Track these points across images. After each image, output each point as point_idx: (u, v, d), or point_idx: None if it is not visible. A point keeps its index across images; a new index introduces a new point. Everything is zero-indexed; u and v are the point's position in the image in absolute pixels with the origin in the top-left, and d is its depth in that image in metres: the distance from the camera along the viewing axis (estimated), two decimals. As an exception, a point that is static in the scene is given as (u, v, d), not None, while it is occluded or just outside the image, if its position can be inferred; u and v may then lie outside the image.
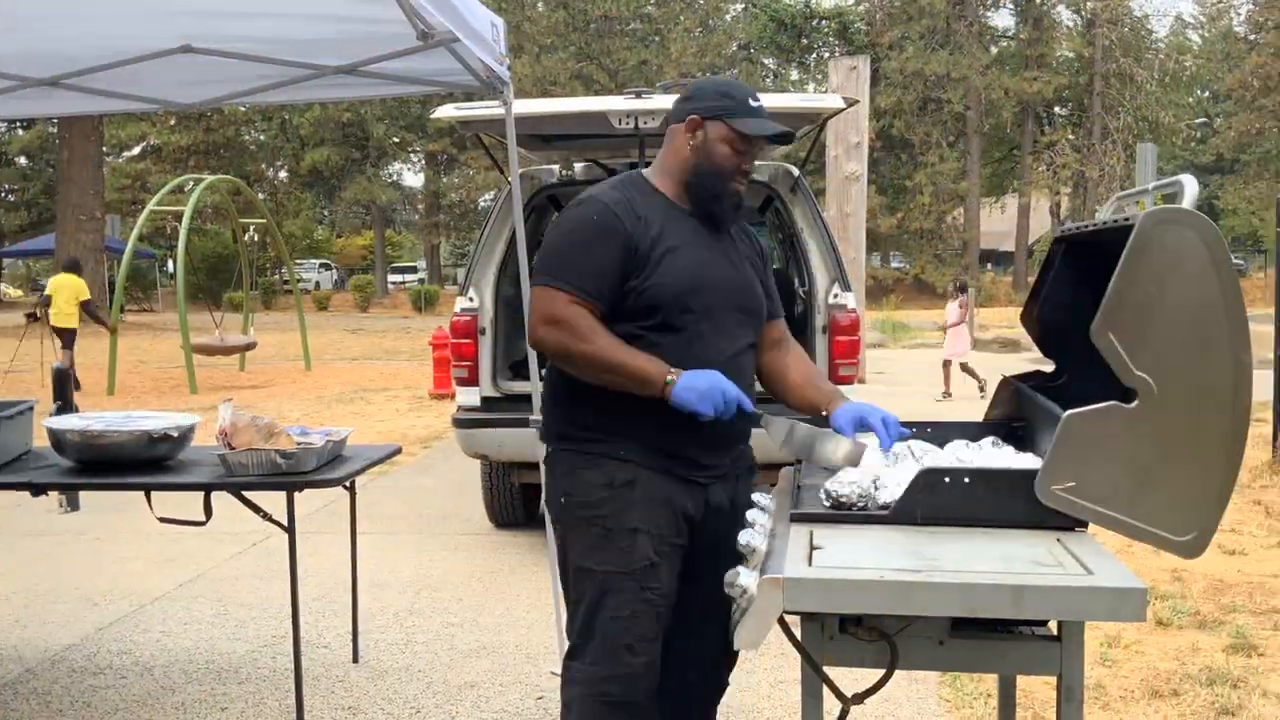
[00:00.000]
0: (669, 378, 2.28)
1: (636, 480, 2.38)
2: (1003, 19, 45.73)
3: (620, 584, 2.35)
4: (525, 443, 4.47)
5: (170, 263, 33.95)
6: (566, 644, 2.49)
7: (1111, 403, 2.00)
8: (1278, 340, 7.74)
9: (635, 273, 2.35)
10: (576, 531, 2.43)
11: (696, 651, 2.55)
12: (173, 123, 40.59)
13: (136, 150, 44.82)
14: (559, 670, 3.95)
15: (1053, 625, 1.97)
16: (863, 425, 2.38)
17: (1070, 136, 42.23)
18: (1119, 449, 2.00)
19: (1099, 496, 2.01)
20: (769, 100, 5.91)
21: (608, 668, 2.36)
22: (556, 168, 6.11)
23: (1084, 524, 2.08)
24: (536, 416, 2.99)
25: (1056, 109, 45.02)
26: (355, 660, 4.18)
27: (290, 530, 3.35)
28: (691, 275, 2.38)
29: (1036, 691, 3.69)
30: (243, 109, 38.30)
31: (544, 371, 2.65)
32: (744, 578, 1.96)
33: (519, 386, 5.71)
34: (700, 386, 2.27)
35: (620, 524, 2.36)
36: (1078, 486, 2.01)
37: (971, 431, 2.64)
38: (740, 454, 2.58)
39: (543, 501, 2.65)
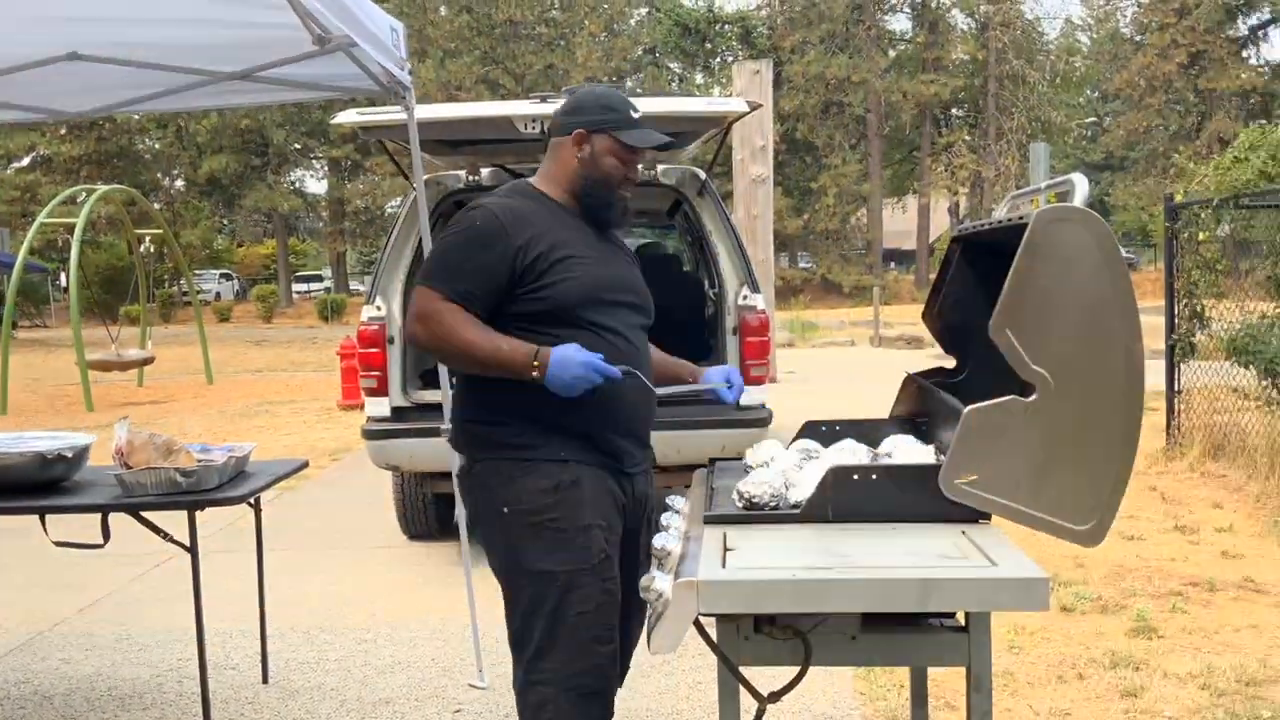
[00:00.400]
0: (535, 368, 2.34)
1: (581, 478, 2.44)
2: (900, 23, 46.76)
3: (582, 580, 2.41)
4: (438, 452, 4.42)
5: (63, 276, 32.82)
6: (513, 652, 2.51)
7: (1010, 397, 2.05)
8: (1168, 331, 8.02)
9: (528, 279, 2.41)
10: (526, 538, 2.43)
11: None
12: (63, 132, 39.27)
13: (25, 161, 43.24)
14: (479, 683, 3.94)
15: (960, 616, 2.01)
16: (728, 378, 2.61)
17: (966, 137, 43.34)
18: (1019, 442, 2.05)
19: (1001, 489, 2.06)
20: (673, 104, 5.97)
21: (580, 662, 2.42)
22: (463, 173, 6.06)
23: (988, 516, 2.13)
24: (448, 425, 2.95)
25: (953, 111, 46.17)
26: (265, 681, 4.08)
27: (193, 551, 3.25)
28: (594, 279, 2.46)
29: (948, 681, 3.77)
30: (136, 117, 37.24)
31: (454, 380, 2.64)
32: (659, 581, 1.96)
33: (429, 396, 5.64)
34: (565, 377, 2.33)
35: (573, 522, 2.42)
36: (980, 480, 2.06)
37: (879, 429, 2.68)
38: (650, 449, 2.68)
39: (458, 514, 2.62)
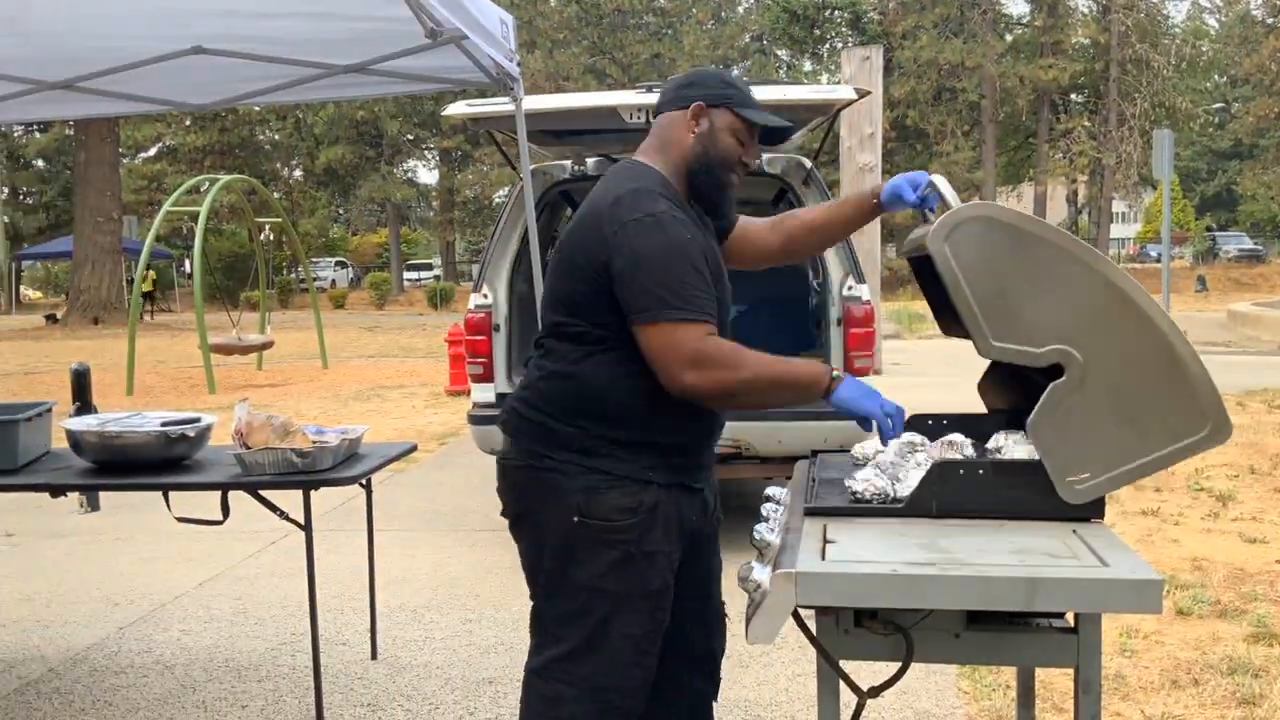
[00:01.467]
0: (834, 373, 2.23)
1: (660, 504, 2.31)
2: (1017, 6, 45.79)
3: (635, 605, 2.30)
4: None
5: (187, 263, 34.13)
6: (534, 637, 2.41)
7: (1050, 388, 2.02)
8: (1298, 326, 7.67)
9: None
10: (590, 551, 2.31)
11: (689, 653, 2.53)
12: (188, 123, 40.80)
13: (153, 151, 45.08)
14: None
15: (1070, 617, 1.96)
16: (914, 183, 2.41)
17: (1086, 124, 41.99)
18: (1090, 414, 2.02)
19: (1114, 461, 2.01)
20: (782, 92, 5.93)
21: (613, 679, 2.31)
22: (569, 163, 6.11)
23: (1100, 515, 2.07)
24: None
25: (1072, 96, 44.76)
26: (374, 657, 4.20)
27: (307, 529, 3.36)
28: (719, 267, 2.35)
29: (1056, 683, 3.68)
30: (256, 109, 38.43)
31: (528, 368, 2.47)
32: (757, 572, 1.96)
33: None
34: (863, 388, 2.23)
35: (641, 548, 2.29)
36: (1091, 471, 2.01)
37: (986, 423, 2.62)
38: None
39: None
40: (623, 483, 2.29)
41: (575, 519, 2.30)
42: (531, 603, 2.43)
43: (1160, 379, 2.02)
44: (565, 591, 2.34)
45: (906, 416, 2.37)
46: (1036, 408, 2.02)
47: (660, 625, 2.35)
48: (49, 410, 3.79)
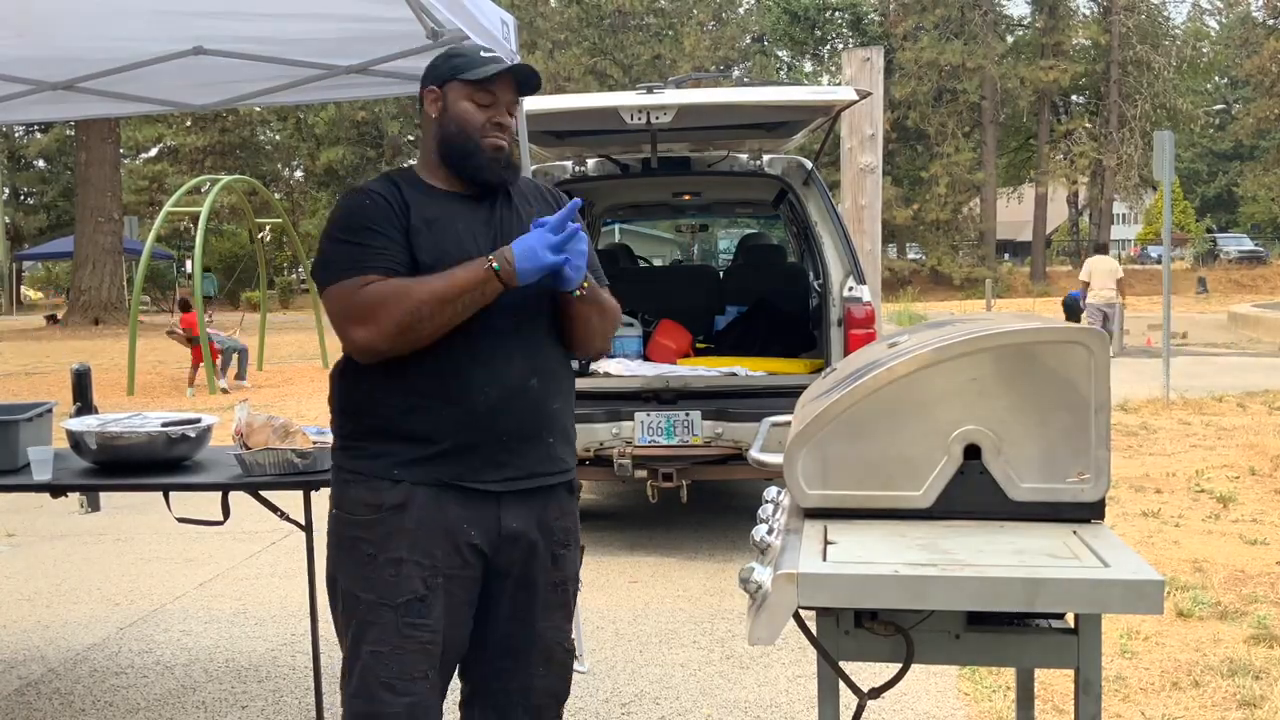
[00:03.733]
0: (493, 263, 2.11)
1: (409, 503, 2.16)
2: (1018, 7, 45.86)
3: (380, 616, 2.16)
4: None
5: (188, 263, 34.12)
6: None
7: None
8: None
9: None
10: (344, 550, 2.22)
11: (522, 690, 2.33)
12: (188, 124, 40.82)
13: (153, 152, 45.09)
14: (579, 667, 3.98)
15: (1069, 618, 1.96)
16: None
17: (1087, 125, 42.03)
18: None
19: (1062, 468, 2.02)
20: (780, 93, 5.92)
21: (367, 704, 2.18)
22: (570, 164, 6.11)
23: (1100, 516, 2.07)
24: None
25: (1073, 97, 44.80)
26: (374, 658, 4.19)
27: (307, 529, 3.36)
28: (445, 253, 2.17)
29: (1056, 684, 3.68)
30: (257, 109, 38.45)
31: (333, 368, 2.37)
32: (758, 573, 1.96)
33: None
34: (528, 249, 2.11)
35: (384, 552, 2.16)
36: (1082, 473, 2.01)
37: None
38: (547, 460, 2.29)
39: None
40: (367, 478, 2.20)
41: (334, 511, 2.26)
42: None
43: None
44: (336, 596, 2.26)
45: None
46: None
47: (418, 643, 2.17)
48: (49, 411, 3.79)
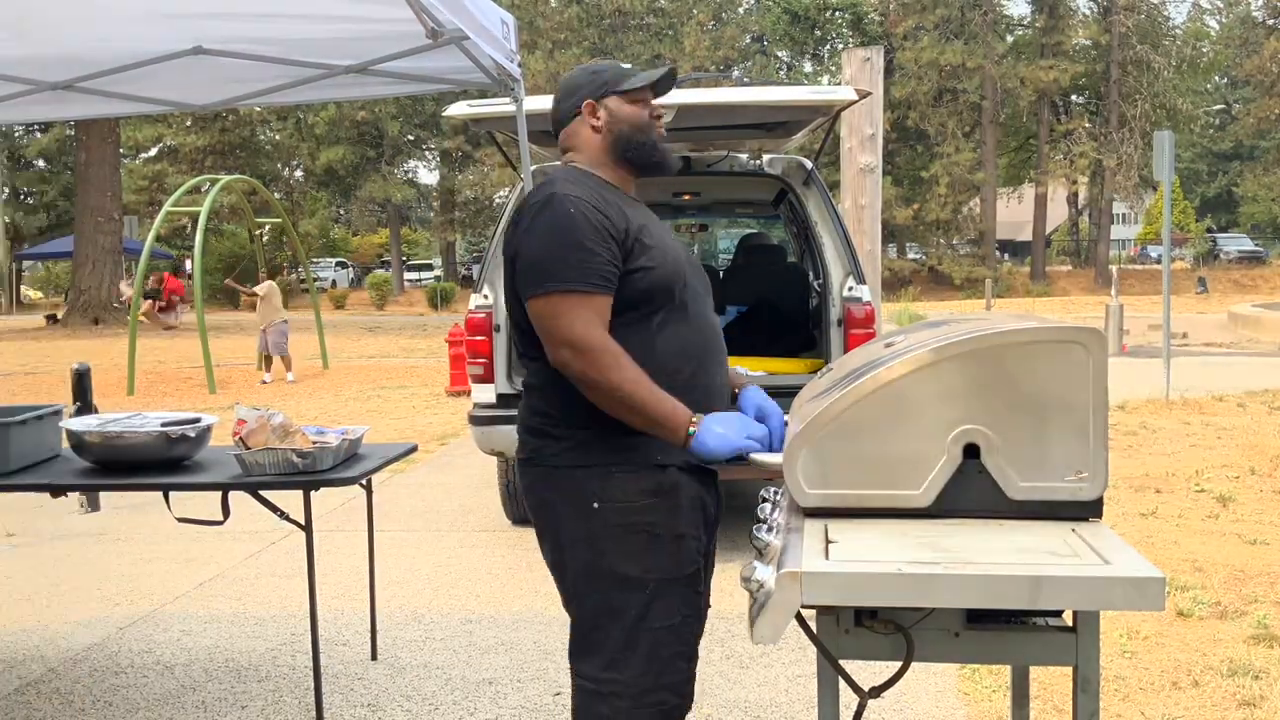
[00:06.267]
0: (692, 429, 2.20)
1: (679, 485, 2.33)
2: (1018, 7, 45.93)
3: (670, 590, 2.30)
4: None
5: (188, 263, 34.14)
6: (574, 662, 2.37)
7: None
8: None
9: (624, 261, 2.28)
10: (614, 539, 2.29)
11: None
12: (188, 124, 40.82)
13: (153, 152, 45.07)
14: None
15: (1068, 616, 1.96)
16: (760, 415, 2.35)
17: (1087, 125, 42.02)
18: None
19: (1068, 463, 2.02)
20: (779, 93, 5.92)
21: (662, 676, 2.28)
22: (569, 164, 6.11)
23: (1098, 515, 2.07)
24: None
25: (1073, 97, 44.79)
26: (374, 657, 4.20)
27: (307, 529, 3.36)
28: (674, 256, 2.36)
29: (1056, 683, 3.68)
30: (257, 109, 38.45)
31: (534, 365, 2.43)
32: (760, 572, 1.96)
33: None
34: (718, 435, 2.20)
35: (669, 530, 2.30)
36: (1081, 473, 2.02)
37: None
38: None
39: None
40: (637, 468, 2.30)
41: (595, 505, 2.30)
42: (565, 611, 2.42)
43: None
44: (596, 588, 2.32)
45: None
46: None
47: (697, 612, 2.38)
48: (56, 413, 3.77)
